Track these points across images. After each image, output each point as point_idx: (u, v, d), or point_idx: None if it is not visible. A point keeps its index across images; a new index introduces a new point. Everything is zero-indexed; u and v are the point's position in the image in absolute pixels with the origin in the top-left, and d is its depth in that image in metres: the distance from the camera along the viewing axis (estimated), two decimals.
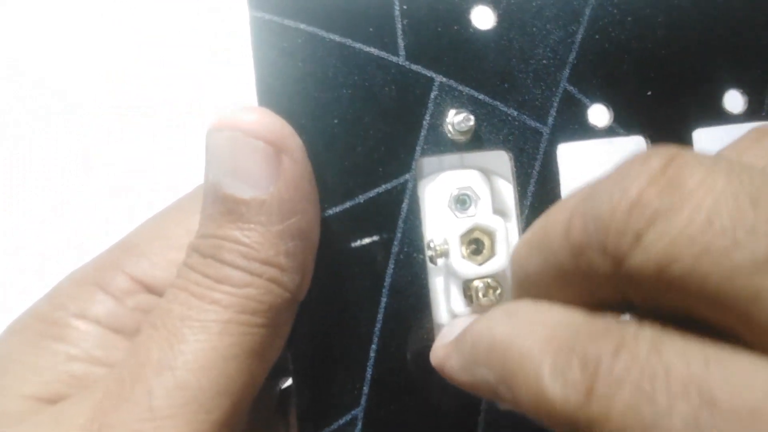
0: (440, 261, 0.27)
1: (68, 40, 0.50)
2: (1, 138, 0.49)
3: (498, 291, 0.26)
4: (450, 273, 0.27)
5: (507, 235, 0.27)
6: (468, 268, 0.26)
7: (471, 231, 0.26)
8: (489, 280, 0.26)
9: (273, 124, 0.24)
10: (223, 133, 0.24)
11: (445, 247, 0.26)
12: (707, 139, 0.30)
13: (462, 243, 0.26)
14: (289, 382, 0.29)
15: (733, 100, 0.30)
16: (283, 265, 0.24)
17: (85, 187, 0.49)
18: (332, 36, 0.26)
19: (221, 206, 0.24)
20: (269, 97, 0.26)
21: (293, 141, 0.24)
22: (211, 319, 0.23)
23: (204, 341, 0.23)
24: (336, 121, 0.26)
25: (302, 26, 0.26)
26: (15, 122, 0.49)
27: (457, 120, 0.26)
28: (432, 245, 0.27)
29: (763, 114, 0.30)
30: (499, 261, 0.26)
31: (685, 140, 0.29)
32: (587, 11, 0.28)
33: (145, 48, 0.50)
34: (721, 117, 0.30)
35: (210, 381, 0.23)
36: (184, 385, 0.23)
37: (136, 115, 0.49)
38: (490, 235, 0.26)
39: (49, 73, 0.50)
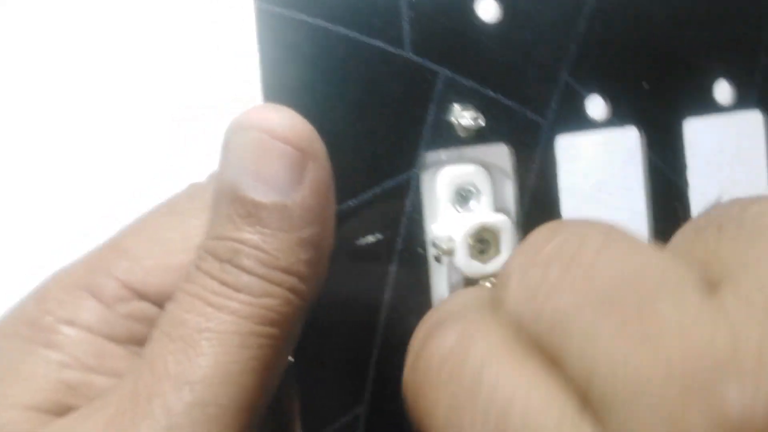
0: (445, 259, 0.28)
1: (70, 37, 0.48)
2: None
3: None
4: (453, 270, 0.28)
5: (512, 233, 0.28)
6: (474, 267, 0.27)
7: (477, 230, 0.27)
8: (494, 280, 0.27)
9: (300, 127, 0.24)
10: (247, 133, 0.24)
11: (451, 245, 0.27)
12: (697, 129, 0.31)
13: (468, 242, 0.27)
14: None
15: (723, 91, 0.31)
16: (302, 274, 0.24)
17: (84, 186, 0.48)
18: (338, 28, 0.26)
19: (239, 208, 0.24)
20: (274, 92, 0.26)
21: (319, 146, 0.25)
22: (231, 330, 0.24)
23: (223, 354, 0.23)
24: (341, 116, 0.27)
25: (308, 18, 0.26)
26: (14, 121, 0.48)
27: (465, 117, 0.27)
28: (437, 243, 0.27)
29: (752, 104, 0.32)
30: (505, 260, 0.27)
31: (675, 131, 0.31)
32: (589, 0, 0.29)
33: (148, 43, 0.49)
34: (711, 107, 0.31)
35: (230, 397, 0.23)
36: (203, 402, 0.23)
37: (137, 112, 0.48)
38: (496, 233, 0.28)
39: (49, 71, 0.48)
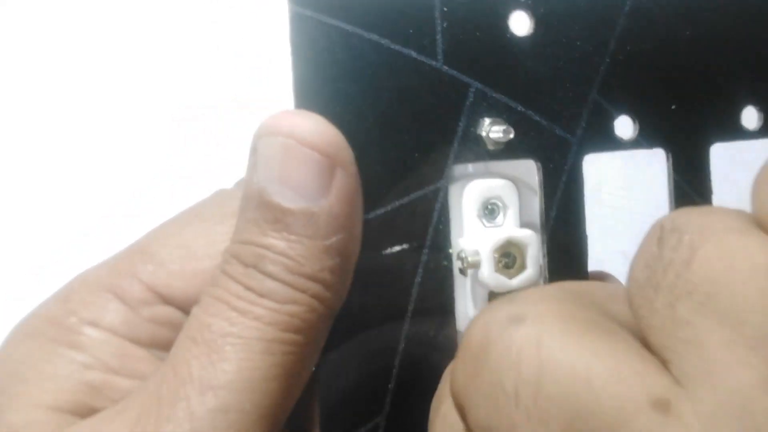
0: (470, 272, 0.27)
1: (70, 37, 0.49)
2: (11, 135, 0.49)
3: None
4: (477, 284, 0.28)
5: (538, 248, 0.28)
6: (499, 281, 0.27)
7: (503, 244, 0.27)
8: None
9: (328, 134, 0.24)
10: (276, 139, 0.24)
11: (477, 258, 0.27)
12: (724, 154, 0.31)
13: (494, 256, 0.27)
14: None
15: (750, 117, 0.31)
16: (327, 281, 0.24)
17: (85, 186, 0.48)
18: (372, 36, 0.26)
19: (266, 213, 0.24)
20: (306, 97, 0.26)
21: (347, 154, 0.25)
22: (255, 336, 0.23)
23: (247, 360, 0.23)
24: (372, 124, 0.26)
25: (343, 25, 0.26)
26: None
27: (495, 130, 0.27)
28: (463, 256, 0.27)
29: None
30: (530, 275, 0.27)
31: (702, 155, 0.31)
32: (620, 20, 0.29)
33: (148, 44, 0.49)
34: (738, 133, 0.31)
35: (253, 403, 0.23)
36: (226, 408, 0.23)
37: (137, 112, 0.48)
38: (522, 248, 0.27)
39: (49, 72, 0.49)
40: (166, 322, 0.27)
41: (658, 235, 0.20)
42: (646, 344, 0.20)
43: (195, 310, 0.25)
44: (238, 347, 0.23)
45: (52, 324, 0.27)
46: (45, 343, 0.26)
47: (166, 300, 0.27)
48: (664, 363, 0.19)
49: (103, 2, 0.49)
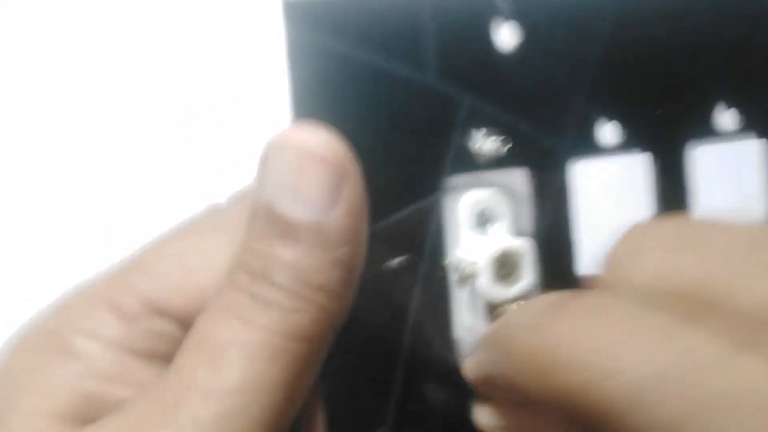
0: (467, 283, 0.28)
1: (70, 37, 0.49)
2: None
3: None
4: (474, 294, 0.29)
5: (534, 257, 0.28)
6: (496, 292, 0.28)
7: (499, 254, 0.28)
8: (515, 304, 0.28)
9: (337, 147, 0.25)
10: (286, 152, 0.24)
11: (473, 269, 0.28)
12: (705, 156, 0.32)
13: (490, 266, 0.28)
14: None
15: (734, 119, 0.32)
16: (334, 293, 0.25)
17: (84, 186, 0.48)
18: (364, 54, 0.27)
19: (274, 225, 0.24)
20: (304, 114, 0.26)
21: (354, 167, 0.25)
22: (260, 345, 0.24)
23: (252, 368, 0.24)
24: (368, 140, 0.27)
25: (337, 45, 0.27)
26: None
27: (488, 143, 0.28)
28: (460, 267, 0.28)
29: (756, 133, 0.33)
30: (527, 283, 0.28)
31: (686, 158, 0.32)
32: (606, 29, 0.30)
33: (148, 43, 0.49)
34: (721, 135, 0.32)
35: (257, 411, 0.24)
36: (231, 414, 0.23)
37: (137, 112, 0.48)
38: (518, 258, 0.28)
39: (49, 71, 0.49)
40: (161, 335, 0.27)
41: None
42: None
43: (201, 318, 0.25)
44: (243, 355, 0.24)
45: (47, 335, 0.27)
46: (40, 353, 0.27)
47: (162, 313, 0.27)
48: None
49: (103, 2, 0.48)
